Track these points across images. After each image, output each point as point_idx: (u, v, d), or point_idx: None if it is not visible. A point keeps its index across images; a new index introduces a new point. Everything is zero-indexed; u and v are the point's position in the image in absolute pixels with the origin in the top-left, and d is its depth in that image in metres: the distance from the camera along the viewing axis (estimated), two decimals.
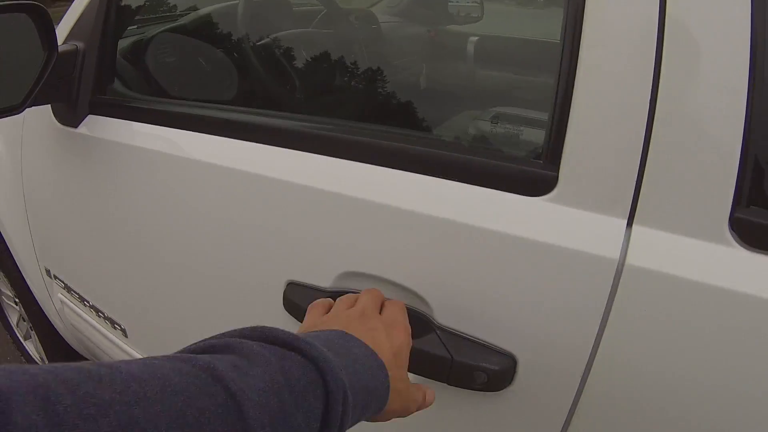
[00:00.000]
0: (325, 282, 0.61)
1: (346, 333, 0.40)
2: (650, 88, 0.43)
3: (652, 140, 0.44)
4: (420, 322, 0.53)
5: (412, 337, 0.48)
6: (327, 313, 0.48)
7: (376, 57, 0.84)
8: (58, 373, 0.22)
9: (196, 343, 0.32)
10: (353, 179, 0.57)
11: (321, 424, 0.31)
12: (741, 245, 0.41)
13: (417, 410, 0.45)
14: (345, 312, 0.46)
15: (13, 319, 1.56)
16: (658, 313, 0.45)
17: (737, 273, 0.41)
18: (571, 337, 0.48)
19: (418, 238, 0.53)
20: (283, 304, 0.65)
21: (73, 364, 0.24)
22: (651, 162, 0.44)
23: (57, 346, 1.35)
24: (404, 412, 0.43)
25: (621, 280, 0.46)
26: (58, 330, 1.31)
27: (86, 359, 1.35)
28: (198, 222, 0.75)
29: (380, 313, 0.47)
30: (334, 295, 0.60)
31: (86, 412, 0.21)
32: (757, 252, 0.41)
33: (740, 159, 0.40)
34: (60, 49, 0.87)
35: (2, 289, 1.51)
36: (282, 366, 0.30)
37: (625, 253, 0.46)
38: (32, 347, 1.54)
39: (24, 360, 1.57)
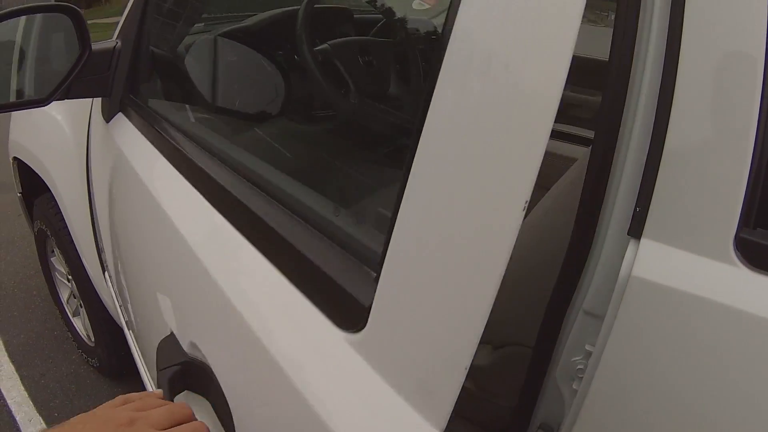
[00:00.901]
0: (184, 344, 0.49)
1: None
2: None
3: None
4: None
5: None
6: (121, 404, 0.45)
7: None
8: None
9: None
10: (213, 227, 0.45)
11: None
12: (745, 265, 0.34)
13: None
14: (118, 414, 0.42)
15: (64, 295, 1.67)
16: None
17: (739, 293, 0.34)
18: None
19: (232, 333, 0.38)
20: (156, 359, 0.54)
21: None
22: None
23: (104, 323, 1.42)
24: None
25: None
26: (107, 307, 1.38)
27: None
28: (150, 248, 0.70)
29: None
30: (183, 365, 0.49)
31: None
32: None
33: (748, 179, 0.33)
34: (95, 47, 0.89)
35: (56, 266, 1.64)
36: None
37: None
38: (80, 324, 1.63)
39: (71, 335, 1.68)
